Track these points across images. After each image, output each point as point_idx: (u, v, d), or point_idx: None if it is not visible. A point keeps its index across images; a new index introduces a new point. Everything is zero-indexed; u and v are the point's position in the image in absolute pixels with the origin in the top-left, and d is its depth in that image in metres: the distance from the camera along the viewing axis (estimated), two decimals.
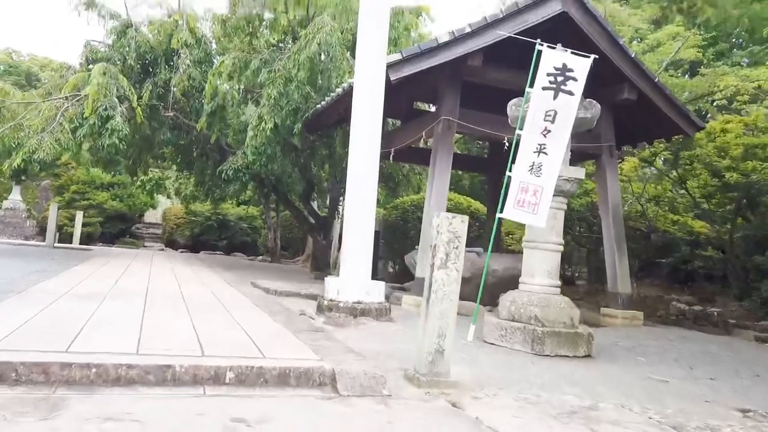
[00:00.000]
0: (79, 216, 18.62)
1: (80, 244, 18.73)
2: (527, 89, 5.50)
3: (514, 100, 5.88)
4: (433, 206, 7.67)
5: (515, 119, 5.74)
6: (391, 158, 9.22)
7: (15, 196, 19.89)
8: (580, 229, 13.23)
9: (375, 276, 11.71)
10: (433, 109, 10.92)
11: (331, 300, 6.28)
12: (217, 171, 11.61)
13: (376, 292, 6.37)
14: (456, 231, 3.82)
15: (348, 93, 8.46)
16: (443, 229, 3.81)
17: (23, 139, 10.26)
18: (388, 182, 14.85)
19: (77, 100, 11.08)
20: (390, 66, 7.03)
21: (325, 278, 6.70)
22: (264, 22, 11.96)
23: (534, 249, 5.72)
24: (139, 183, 20.24)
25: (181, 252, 21.65)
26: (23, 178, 19.16)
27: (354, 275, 6.36)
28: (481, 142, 14.06)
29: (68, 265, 8.96)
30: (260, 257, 21.67)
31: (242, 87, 10.75)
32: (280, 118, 9.38)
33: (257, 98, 11.70)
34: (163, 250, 21.80)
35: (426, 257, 7.82)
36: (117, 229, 22.44)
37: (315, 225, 14.66)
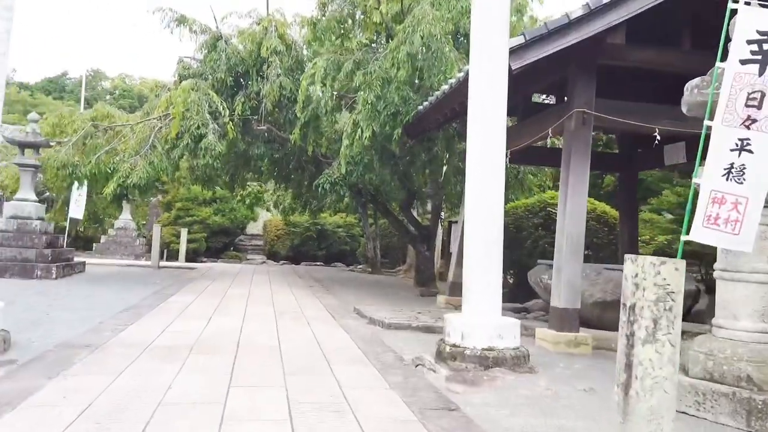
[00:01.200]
0: (184, 233, 18.80)
1: (186, 260, 18.94)
2: (717, 64, 4.01)
3: (695, 81, 4.39)
4: (569, 216, 6.29)
5: (698, 106, 4.27)
6: (507, 161, 7.90)
7: (125, 216, 20.49)
8: None
9: None
10: (553, 100, 9.45)
11: (454, 345, 5.09)
12: (313, 185, 10.82)
13: (510, 334, 5.10)
14: (669, 284, 2.50)
15: (457, 88, 7.27)
16: (647, 282, 2.50)
17: (118, 163, 9.98)
18: None
19: (170, 120, 10.72)
20: (510, 52, 5.75)
21: (445, 316, 5.52)
22: (356, 21, 11.03)
23: (735, 281, 4.20)
24: (238, 198, 20.20)
25: (282, 264, 21.44)
26: (132, 197, 19.75)
27: (482, 312, 5.14)
28: (605, 136, 12.31)
29: (166, 295, 8.46)
30: (360, 266, 20.99)
31: (335, 93, 9.85)
32: (378, 124, 8.35)
33: (351, 104, 10.80)
34: (264, 262, 21.70)
35: (561, 277, 6.49)
36: (221, 243, 22.64)
37: (417, 235, 13.57)
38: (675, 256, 2.95)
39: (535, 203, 11.75)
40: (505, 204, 13.16)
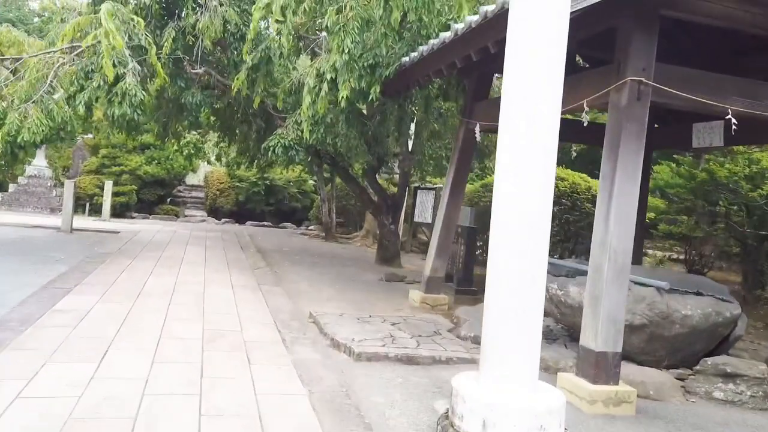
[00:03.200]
0: (109, 185, 16.30)
1: (114, 216, 16.53)
2: None
3: None
4: (615, 225, 4.60)
5: None
6: None
7: (39, 161, 17.68)
8: (736, 209, 9.85)
9: (467, 284, 8.83)
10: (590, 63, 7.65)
11: None
12: (261, 147, 8.75)
13: (554, 422, 3.39)
14: None
15: (479, 30, 5.38)
16: None
17: (4, 111, 7.59)
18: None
19: (77, 54, 8.30)
20: None
21: (455, 383, 3.72)
22: None
23: None
24: (175, 147, 17.71)
25: (224, 223, 19.27)
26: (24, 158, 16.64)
27: (513, 386, 3.41)
28: None
29: (58, 292, 6.38)
30: (311, 226, 19.09)
31: (294, 32, 7.68)
32: (354, 78, 6.32)
33: (313, 48, 8.66)
34: (204, 221, 19.47)
35: (600, 310, 4.24)
36: (155, 195, 20.19)
37: (382, 205, 11.75)
38: None
39: None
40: (484, 180, 11.47)
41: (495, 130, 7.90)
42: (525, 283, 3.45)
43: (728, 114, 4.91)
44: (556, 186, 9.73)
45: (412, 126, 11.25)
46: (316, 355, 5.02)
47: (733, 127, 4.89)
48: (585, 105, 5.17)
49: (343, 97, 6.27)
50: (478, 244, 10.21)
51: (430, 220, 14.20)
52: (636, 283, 5.83)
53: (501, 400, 3.36)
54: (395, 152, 11.82)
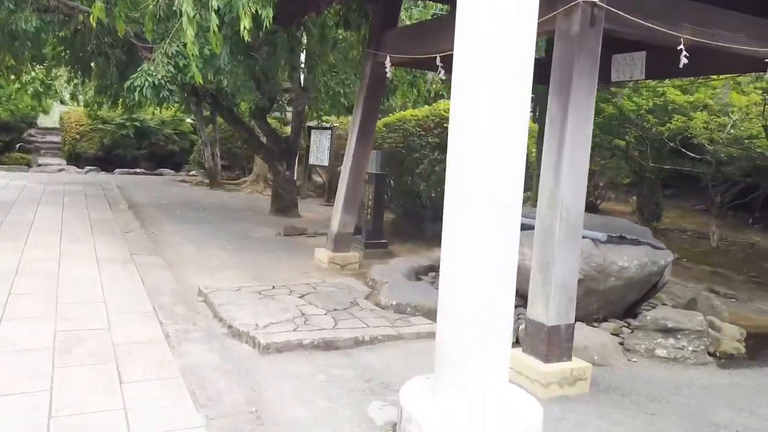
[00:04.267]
0: None
1: None
2: None
3: None
4: (566, 179, 3.90)
5: None
6: (440, 69, 5.22)
7: None
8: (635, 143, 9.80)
9: (377, 236, 8.04)
10: None
11: None
12: (125, 86, 7.12)
13: None
14: None
15: None
16: None
17: None
18: None
19: None
20: None
21: (404, 400, 2.90)
22: None
23: None
24: (17, 85, 14.87)
25: (88, 172, 16.89)
26: None
27: (480, 409, 2.64)
28: None
29: None
30: (194, 172, 17.28)
31: None
32: (254, 2, 4.96)
33: None
34: (63, 170, 16.93)
35: (551, 277, 3.51)
36: (0, 142, 17.19)
37: (275, 150, 10.50)
38: None
39: (428, 116, 9.29)
40: (389, 116, 10.55)
41: (407, 64, 6.90)
42: (493, 278, 2.64)
43: (680, 44, 4.31)
44: None
45: (306, 60, 9.95)
46: (212, 355, 3.98)
47: (683, 59, 4.29)
48: None
49: (244, 27, 4.92)
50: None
51: (326, 163, 13.17)
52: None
53: (465, 427, 2.58)
54: (286, 89, 10.51)
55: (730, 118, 7.98)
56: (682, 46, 4.28)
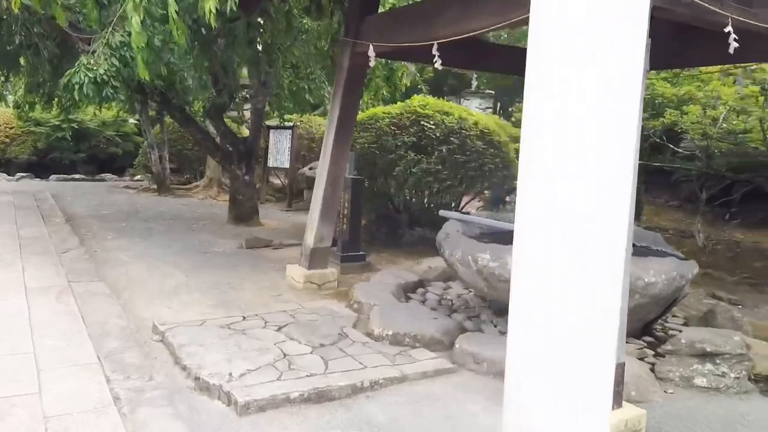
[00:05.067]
0: None
1: None
2: None
3: None
4: None
5: None
6: (437, 59, 4.46)
7: None
8: None
9: (355, 248, 7.22)
10: None
11: None
12: (61, 83, 6.06)
13: None
14: None
15: None
16: None
17: None
18: None
19: None
20: None
21: None
22: None
23: None
24: None
25: (20, 179, 15.37)
26: None
27: None
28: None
29: None
30: (139, 177, 15.96)
31: None
32: None
33: None
34: None
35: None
36: None
37: (232, 153, 9.54)
38: None
39: (402, 113, 8.53)
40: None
41: (392, 55, 6.07)
42: (592, 332, 1.90)
43: (727, 25, 3.70)
44: (443, 122, 8.36)
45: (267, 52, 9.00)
46: (177, 424, 3.10)
47: (733, 44, 3.68)
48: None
49: (209, 10, 3.99)
50: None
51: (286, 165, 12.25)
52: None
53: None
54: (245, 85, 9.57)
55: (723, 111, 7.57)
56: (730, 27, 3.66)
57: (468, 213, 6.21)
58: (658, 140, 8.76)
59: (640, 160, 8.62)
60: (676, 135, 9.03)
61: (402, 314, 4.97)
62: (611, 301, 2.00)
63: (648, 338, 5.01)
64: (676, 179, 12.48)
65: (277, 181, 14.27)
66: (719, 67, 7.87)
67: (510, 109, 17.35)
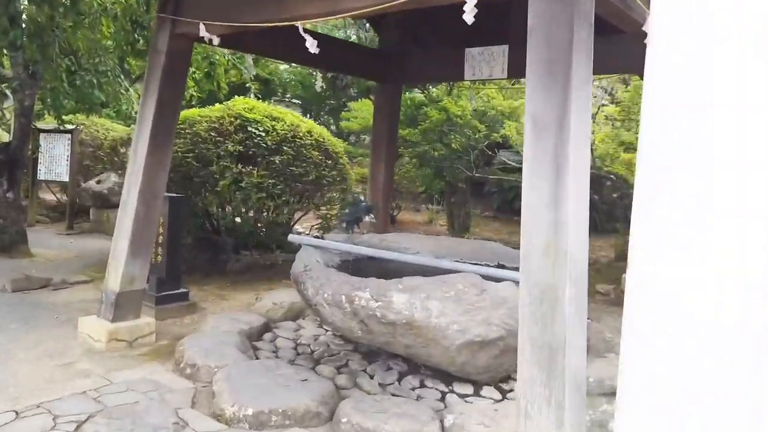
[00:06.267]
0: None
1: None
2: None
3: None
4: (574, 198, 2.49)
5: None
6: (310, 42, 3.37)
7: None
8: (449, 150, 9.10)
9: (174, 284, 5.68)
10: None
11: None
12: None
13: None
14: None
15: None
16: None
17: None
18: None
19: None
20: None
21: None
22: None
23: None
24: None
25: None
26: None
27: None
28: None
29: None
30: None
31: None
32: None
33: None
34: None
35: (567, 360, 2.34)
36: None
37: None
38: None
39: (224, 116, 7.16)
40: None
41: (230, 39, 4.72)
42: None
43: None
44: (274, 129, 7.20)
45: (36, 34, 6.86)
46: None
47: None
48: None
49: None
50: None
51: (65, 178, 9.89)
52: (485, 277, 3.98)
53: None
54: (4, 77, 7.27)
55: None
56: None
57: (320, 237, 5.18)
58: (489, 152, 8.70)
59: (469, 172, 8.33)
60: (503, 147, 9.10)
61: (259, 379, 3.75)
62: None
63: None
64: (488, 190, 12.92)
65: (50, 197, 11.58)
66: None
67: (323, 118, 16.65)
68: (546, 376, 2.46)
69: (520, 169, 9.14)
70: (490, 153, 8.84)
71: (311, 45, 3.22)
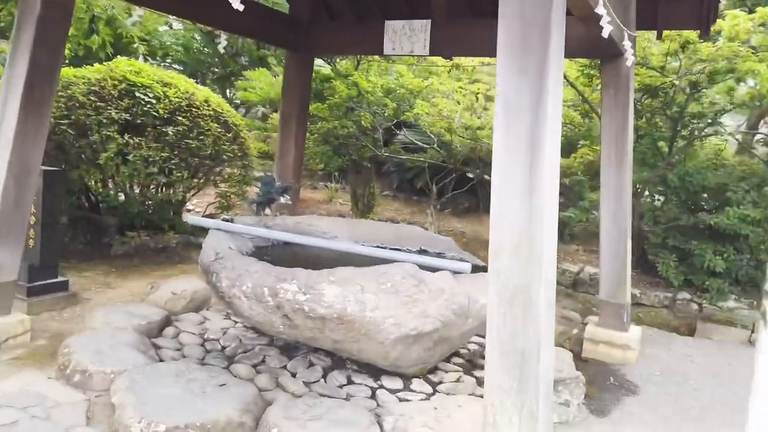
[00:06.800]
0: None
1: None
2: None
3: None
4: (548, 186, 2.30)
5: None
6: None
7: None
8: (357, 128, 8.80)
9: (50, 273, 4.87)
10: None
11: None
12: None
13: None
14: None
15: None
16: None
17: None
18: None
19: None
20: None
21: None
22: None
23: None
24: None
25: None
26: None
27: None
28: None
29: None
30: None
31: None
32: None
33: None
34: None
35: (539, 364, 2.20)
36: None
37: None
38: None
39: (105, 78, 6.24)
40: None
41: None
42: None
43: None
44: (166, 96, 6.43)
45: None
46: None
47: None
48: None
49: None
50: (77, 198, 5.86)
51: None
52: (424, 267, 3.73)
53: None
54: None
55: (458, 106, 7.59)
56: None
57: (230, 220, 4.64)
58: (395, 130, 8.49)
59: (377, 150, 8.04)
60: (409, 126, 8.93)
61: (169, 387, 3.24)
62: None
63: (463, 361, 4.41)
64: (388, 169, 12.76)
65: None
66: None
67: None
68: (517, 385, 2.26)
69: (421, 149, 8.95)
70: (396, 132, 8.63)
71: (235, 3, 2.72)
